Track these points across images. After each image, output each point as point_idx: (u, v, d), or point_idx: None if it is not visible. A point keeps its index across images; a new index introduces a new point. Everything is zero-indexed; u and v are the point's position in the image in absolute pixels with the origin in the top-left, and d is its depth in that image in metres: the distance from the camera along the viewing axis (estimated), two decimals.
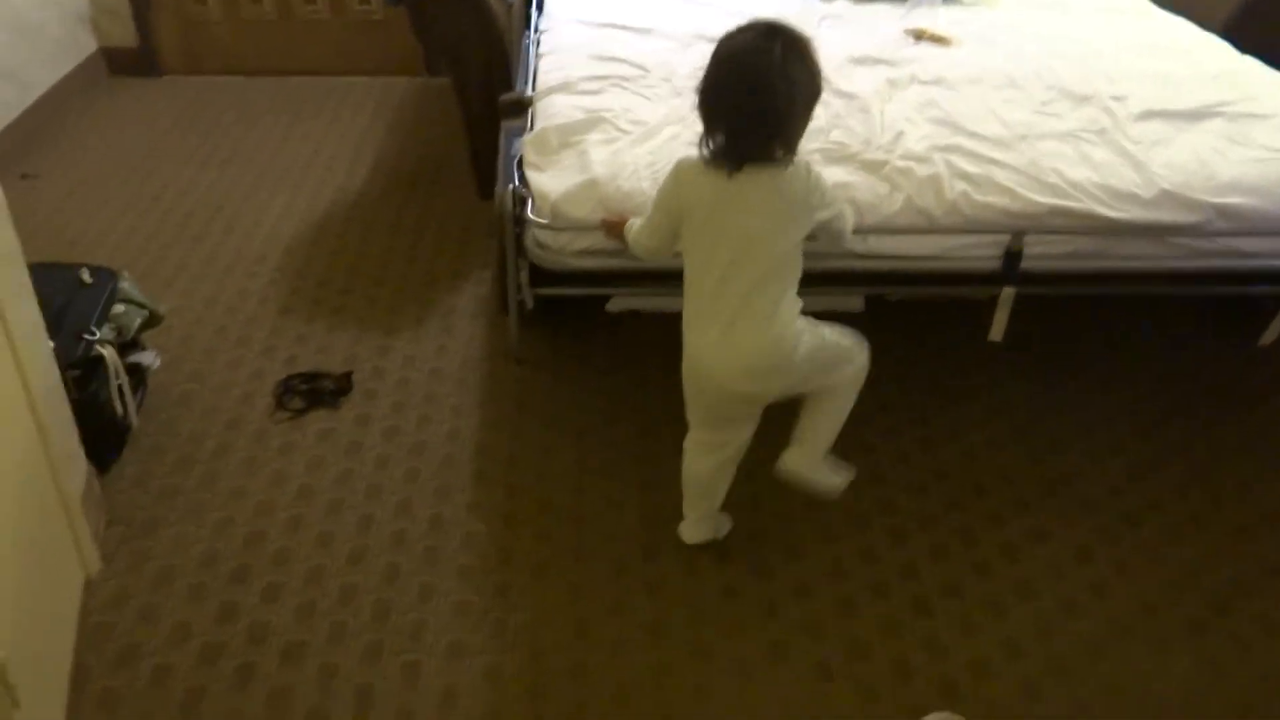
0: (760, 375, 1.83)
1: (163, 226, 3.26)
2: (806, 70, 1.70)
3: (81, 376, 2.16)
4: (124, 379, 2.28)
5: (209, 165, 3.66)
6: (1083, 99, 2.66)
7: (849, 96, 2.65)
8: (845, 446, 2.40)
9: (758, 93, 1.67)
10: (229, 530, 2.17)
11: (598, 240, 2.21)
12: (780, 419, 1.99)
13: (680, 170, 1.83)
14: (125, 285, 2.42)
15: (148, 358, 2.46)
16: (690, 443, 2.04)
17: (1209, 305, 2.98)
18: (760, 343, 1.78)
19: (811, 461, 2.00)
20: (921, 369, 2.70)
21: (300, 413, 2.49)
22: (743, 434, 1.99)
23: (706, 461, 2.02)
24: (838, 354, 1.91)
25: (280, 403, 2.51)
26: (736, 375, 1.82)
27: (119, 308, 2.36)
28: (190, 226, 3.27)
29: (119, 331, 2.32)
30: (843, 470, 2.07)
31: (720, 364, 1.82)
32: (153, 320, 2.47)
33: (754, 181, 1.74)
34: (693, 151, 1.80)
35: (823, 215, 1.87)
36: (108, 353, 2.22)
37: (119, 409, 2.28)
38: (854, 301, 2.61)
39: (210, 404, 2.51)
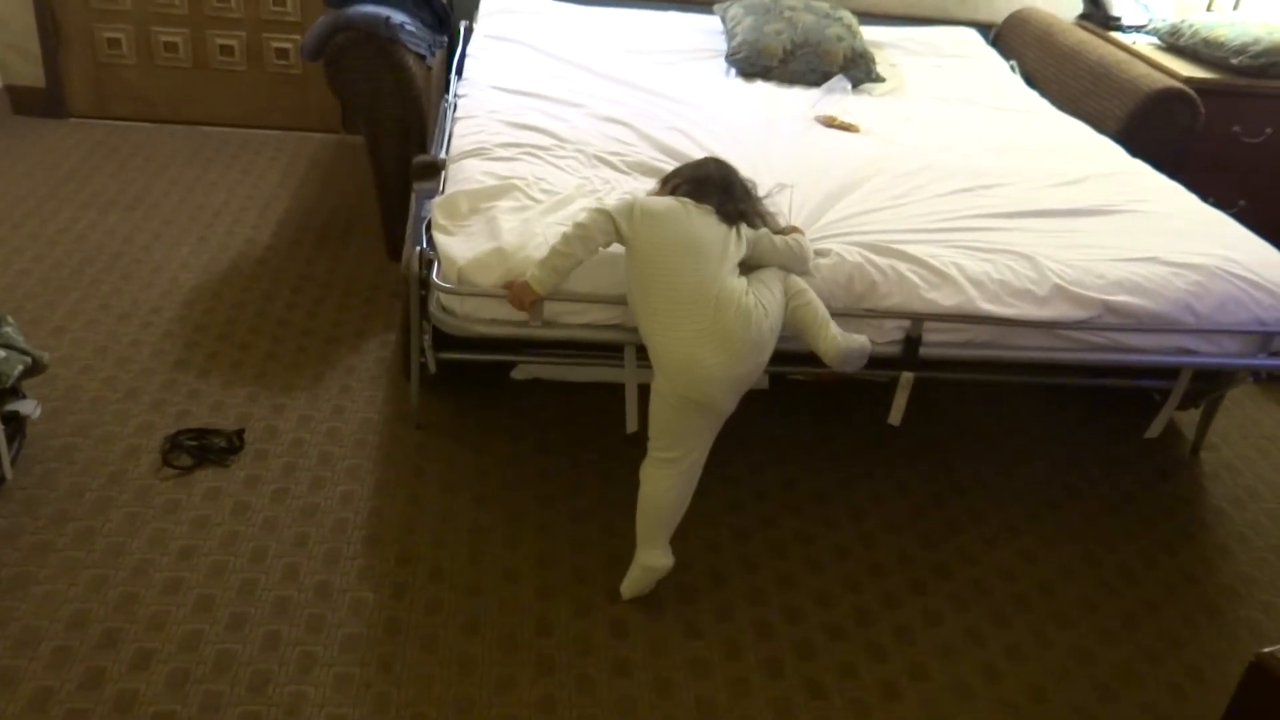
0: (745, 355, 1.99)
1: (57, 271, 3.15)
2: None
3: None
4: None
5: (111, 210, 3.56)
6: (982, 191, 2.74)
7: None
8: (748, 523, 2.42)
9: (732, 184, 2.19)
10: (102, 591, 2.06)
11: (504, 311, 2.19)
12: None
13: (646, 197, 2.14)
14: (8, 330, 2.32)
15: (27, 407, 2.35)
16: (650, 463, 2.09)
17: (1104, 394, 3.08)
18: (742, 324, 1.97)
19: None
20: (824, 449, 2.73)
21: (187, 470, 2.40)
22: (703, 441, 2.09)
23: (668, 477, 2.08)
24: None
25: (167, 459, 2.42)
26: (724, 359, 1.96)
27: None
28: (86, 272, 3.16)
29: None
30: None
31: (707, 352, 1.95)
32: (36, 368, 2.37)
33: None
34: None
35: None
36: None
37: None
38: (760, 379, 2.62)
39: (93, 457, 2.41)
